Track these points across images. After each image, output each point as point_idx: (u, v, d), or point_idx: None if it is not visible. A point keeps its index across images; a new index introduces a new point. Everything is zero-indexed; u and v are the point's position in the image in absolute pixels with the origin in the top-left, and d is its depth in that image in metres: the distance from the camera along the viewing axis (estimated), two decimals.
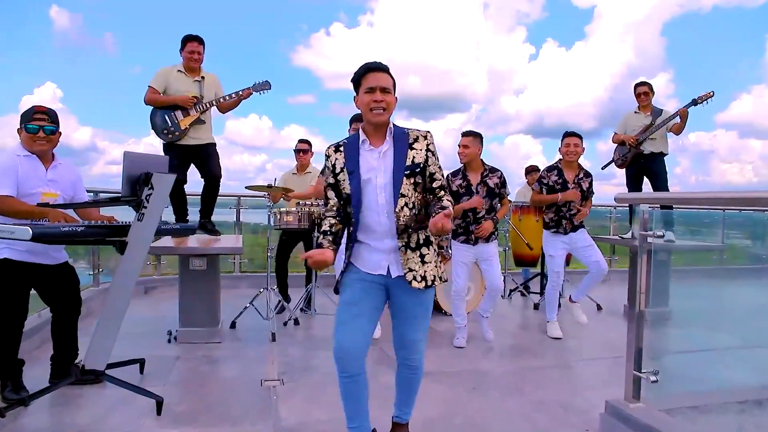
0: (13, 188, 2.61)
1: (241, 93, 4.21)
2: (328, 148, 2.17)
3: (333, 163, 2.13)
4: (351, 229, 2.14)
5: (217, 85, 4.28)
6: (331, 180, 2.14)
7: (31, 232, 2.17)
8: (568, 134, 4.21)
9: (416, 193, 2.07)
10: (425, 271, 2.08)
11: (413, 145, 2.07)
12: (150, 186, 2.50)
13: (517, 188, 6.72)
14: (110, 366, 3.00)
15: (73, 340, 3.05)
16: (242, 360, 3.52)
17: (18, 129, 2.76)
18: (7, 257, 2.65)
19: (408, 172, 2.03)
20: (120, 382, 2.68)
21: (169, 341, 3.85)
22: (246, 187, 4.39)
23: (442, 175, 2.15)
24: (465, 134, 3.94)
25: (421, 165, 2.06)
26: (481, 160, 3.98)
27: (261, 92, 4.28)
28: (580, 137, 4.20)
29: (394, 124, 2.11)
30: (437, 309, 5.14)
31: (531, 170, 6.41)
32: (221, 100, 4.17)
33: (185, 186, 4.33)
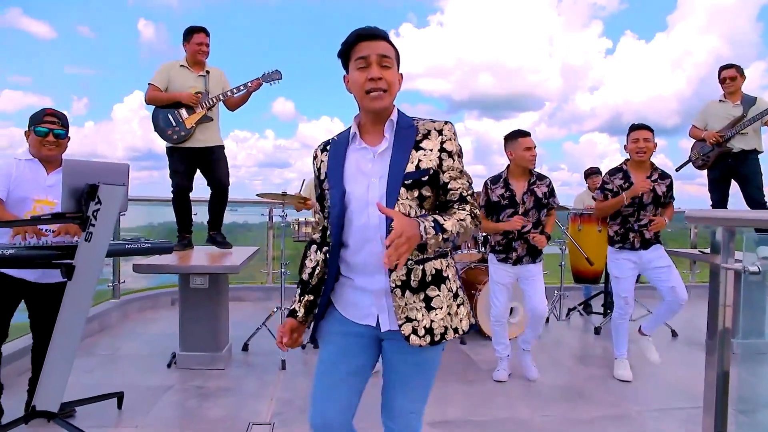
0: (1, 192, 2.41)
1: (249, 84, 3.81)
2: (318, 147, 1.63)
3: (318, 166, 1.59)
4: (331, 256, 1.57)
5: (224, 80, 3.91)
6: (319, 190, 1.61)
7: None
8: (635, 127, 3.39)
9: (422, 212, 1.47)
10: (432, 321, 1.48)
11: (422, 143, 1.48)
12: (97, 200, 2.10)
13: (576, 194, 5.95)
14: (86, 401, 2.70)
15: None
16: (239, 394, 3.08)
17: (26, 132, 2.56)
18: None
19: (409, 181, 1.44)
20: (70, 427, 2.30)
21: (170, 365, 3.49)
22: (257, 195, 3.97)
23: (466, 183, 1.52)
24: (527, 133, 3.28)
25: (430, 171, 1.46)
26: None
27: (271, 83, 3.86)
28: (651, 130, 3.38)
29: (399, 113, 1.53)
30: (478, 332, 4.51)
31: (591, 173, 5.64)
32: (228, 93, 3.80)
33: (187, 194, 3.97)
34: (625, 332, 3.58)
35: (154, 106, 3.76)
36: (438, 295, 1.50)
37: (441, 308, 1.49)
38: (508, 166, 3.35)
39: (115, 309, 4.65)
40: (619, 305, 3.55)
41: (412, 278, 1.47)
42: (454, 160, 1.50)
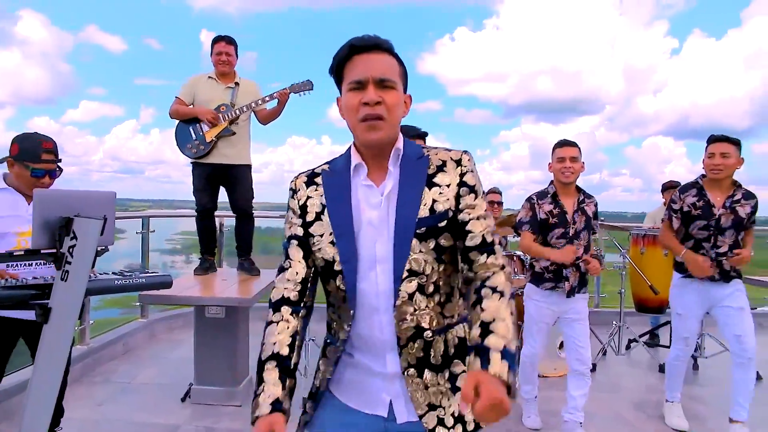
0: None
1: (276, 95, 3.53)
2: (297, 178, 1.26)
3: (302, 202, 1.22)
4: (332, 329, 1.25)
5: (256, 93, 3.64)
6: (299, 230, 1.22)
7: None
8: (713, 139, 2.86)
9: (441, 267, 1.16)
10: (459, 406, 1.16)
11: (436, 178, 1.17)
12: (72, 235, 1.86)
13: (650, 211, 5.26)
14: None
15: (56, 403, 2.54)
16: None
17: (9, 160, 2.22)
18: None
19: (422, 229, 1.13)
20: None
21: (184, 399, 3.25)
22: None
23: (491, 225, 1.18)
24: (569, 143, 2.85)
25: (449, 214, 1.15)
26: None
27: (301, 93, 3.57)
28: (736, 143, 2.81)
29: (406, 141, 1.21)
30: None
31: (669, 187, 4.83)
32: (253, 105, 3.53)
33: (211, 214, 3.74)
34: (681, 375, 3.11)
35: (177, 120, 3.56)
36: (465, 371, 1.18)
37: None
38: (552, 181, 2.94)
39: (141, 329, 4.50)
40: (678, 346, 3.06)
41: (432, 354, 1.15)
42: (476, 197, 1.16)
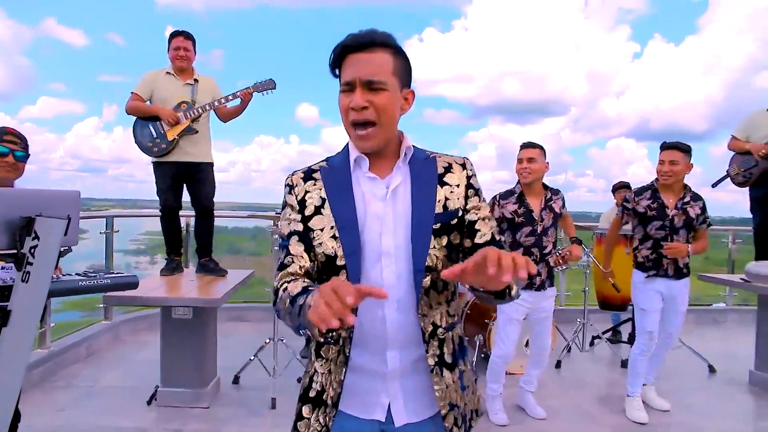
0: None
1: (239, 93, 3.49)
2: (293, 174, 1.23)
3: (300, 197, 1.19)
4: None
5: (215, 90, 3.61)
6: (299, 226, 1.18)
7: None
8: (663, 146, 3.08)
9: (450, 265, 1.12)
10: (465, 405, 1.22)
11: (445, 177, 1.20)
12: (34, 235, 1.81)
13: (604, 212, 5.50)
14: None
15: None
16: None
17: None
18: None
19: (437, 225, 1.14)
20: None
21: (150, 402, 3.19)
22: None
23: (496, 227, 1.23)
24: (529, 145, 3.01)
25: (459, 213, 1.18)
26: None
27: (264, 92, 3.55)
28: (685, 150, 3.01)
29: (412, 145, 1.22)
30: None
31: (619, 187, 5.13)
32: (216, 103, 3.49)
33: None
34: (643, 369, 3.25)
35: (135, 117, 3.48)
36: (465, 371, 1.23)
37: (469, 386, 1.24)
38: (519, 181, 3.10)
39: (105, 332, 4.39)
40: (642, 341, 3.20)
41: (447, 351, 1.18)
42: (480, 200, 1.21)
